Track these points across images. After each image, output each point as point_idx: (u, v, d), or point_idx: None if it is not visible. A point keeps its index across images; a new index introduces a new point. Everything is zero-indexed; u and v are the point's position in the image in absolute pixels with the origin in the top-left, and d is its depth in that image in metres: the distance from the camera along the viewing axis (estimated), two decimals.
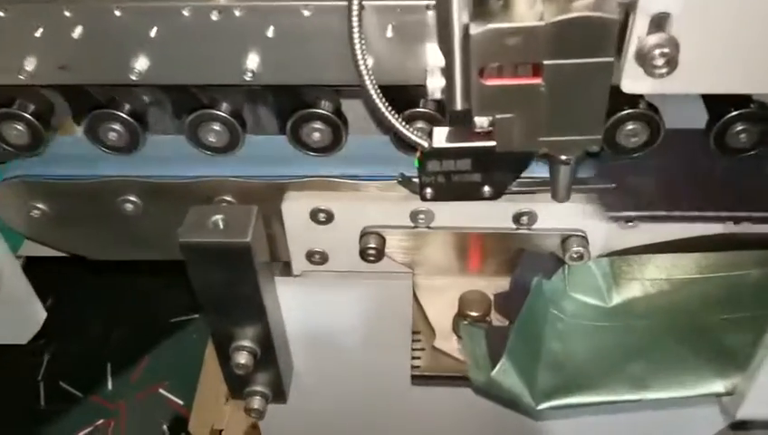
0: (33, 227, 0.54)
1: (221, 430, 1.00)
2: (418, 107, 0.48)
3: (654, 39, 0.37)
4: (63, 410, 1.25)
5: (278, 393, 0.59)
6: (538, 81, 0.38)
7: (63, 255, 0.59)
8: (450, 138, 0.44)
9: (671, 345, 0.50)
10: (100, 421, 1.24)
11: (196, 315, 1.34)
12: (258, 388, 0.58)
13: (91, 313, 1.38)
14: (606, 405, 0.48)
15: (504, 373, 0.46)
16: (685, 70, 0.38)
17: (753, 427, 0.52)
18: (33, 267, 0.62)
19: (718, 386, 0.48)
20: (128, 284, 1.35)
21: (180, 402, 1.24)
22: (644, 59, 0.38)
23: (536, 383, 0.48)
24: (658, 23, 0.37)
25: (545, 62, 0.38)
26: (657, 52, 0.37)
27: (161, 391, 1.27)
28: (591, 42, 0.37)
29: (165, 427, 1.23)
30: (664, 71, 0.38)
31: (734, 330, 0.50)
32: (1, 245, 0.57)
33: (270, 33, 0.42)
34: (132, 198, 0.52)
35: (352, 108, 0.51)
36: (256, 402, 0.59)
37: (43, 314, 0.61)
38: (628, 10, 0.37)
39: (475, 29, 0.36)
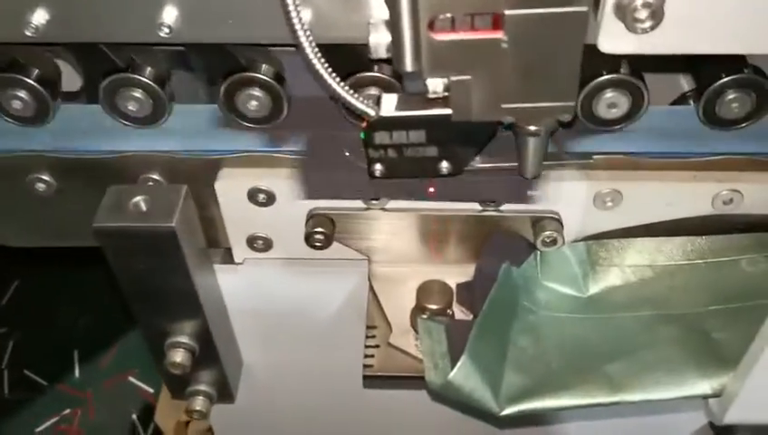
0: None
1: (188, 422, 0.96)
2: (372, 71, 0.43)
3: None
4: (28, 399, 1.22)
5: (224, 393, 0.55)
6: (499, 35, 0.34)
7: None
8: (401, 105, 0.40)
9: (653, 340, 0.47)
10: (67, 411, 1.21)
11: None
12: (200, 387, 0.54)
13: (58, 298, 1.35)
14: (578, 410, 0.44)
15: (465, 375, 0.42)
16: (671, 24, 0.34)
17: (736, 429, 0.49)
18: None
19: (704, 387, 0.44)
20: (96, 268, 1.30)
21: (150, 391, 1.23)
22: (624, 11, 0.33)
23: (501, 385, 0.43)
24: None
25: (507, 11, 0.33)
26: (639, 2, 0.33)
27: (131, 379, 1.25)
28: None
29: (134, 416, 1.21)
30: (647, 24, 0.34)
31: (723, 323, 0.47)
32: None
33: None
34: (44, 177, 0.47)
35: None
36: (199, 403, 0.54)
37: None
38: None
39: None
